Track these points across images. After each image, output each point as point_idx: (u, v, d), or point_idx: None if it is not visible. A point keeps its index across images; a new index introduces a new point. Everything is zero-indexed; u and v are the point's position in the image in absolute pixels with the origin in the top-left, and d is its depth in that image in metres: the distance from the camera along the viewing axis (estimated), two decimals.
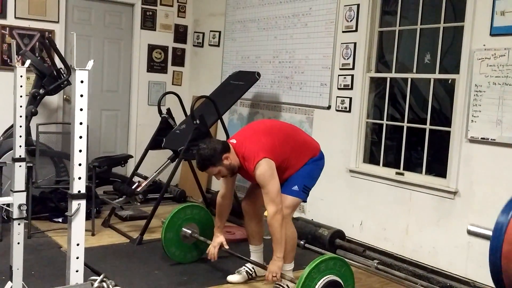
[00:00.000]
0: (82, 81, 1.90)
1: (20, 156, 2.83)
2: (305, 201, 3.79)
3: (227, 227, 5.12)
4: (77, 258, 1.96)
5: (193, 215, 4.19)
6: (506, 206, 1.41)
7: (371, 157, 4.83)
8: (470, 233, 1.53)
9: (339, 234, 4.70)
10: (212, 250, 3.81)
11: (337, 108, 4.95)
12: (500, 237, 1.37)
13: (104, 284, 3.34)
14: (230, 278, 3.86)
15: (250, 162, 3.44)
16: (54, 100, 5.89)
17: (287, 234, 3.62)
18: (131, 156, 6.03)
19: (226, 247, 3.82)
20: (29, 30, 5.72)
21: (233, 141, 3.58)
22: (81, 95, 1.90)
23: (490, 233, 1.42)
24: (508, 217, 1.38)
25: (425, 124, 4.33)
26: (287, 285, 3.64)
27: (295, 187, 3.58)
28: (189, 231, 4.11)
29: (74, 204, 1.93)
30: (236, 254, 3.89)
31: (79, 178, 1.92)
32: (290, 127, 3.87)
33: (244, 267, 3.92)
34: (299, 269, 3.90)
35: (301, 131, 3.88)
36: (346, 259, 4.39)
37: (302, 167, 3.60)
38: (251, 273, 3.89)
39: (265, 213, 4.14)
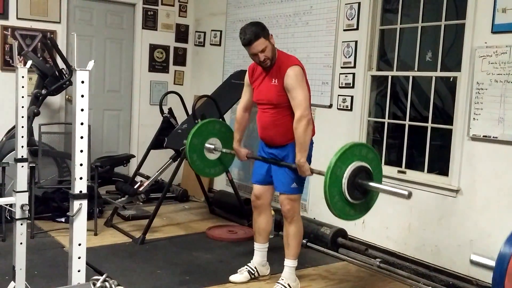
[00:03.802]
0: (82, 82, 1.90)
1: (22, 156, 2.84)
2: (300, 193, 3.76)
3: (230, 227, 5.13)
4: (79, 258, 1.96)
5: (220, 131, 4.22)
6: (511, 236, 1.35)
7: None
8: (472, 263, 1.47)
9: (342, 232, 4.69)
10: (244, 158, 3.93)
11: (338, 107, 4.94)
12: (502, 272, 1.31)
13: (107, 283, 3.34)
14: (232, 278, 3.86)
15: (285, 64, 3.47)
16: (56, 100, 5.89)
17: (295, 230, 3.66)
18: (133, 156, 6.04)
19: (250, 154, 3.92)
20: (31, 31, 5.72)
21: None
22: (82, 96, 1.91)
23: (493, 264, 1.36)
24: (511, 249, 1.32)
25: (427, 122, 4.32)
26: (288, 284, 3.64)
27: (294, 185, 3.61)
28: (212, 146, 4.15)
29: (76, 204, 1.93)
30: (258, 157, 3.85)
31: (81, 178, 1.93)
32: None
33: (246, 266, 3.91)
34: (300, 268, 3.91)
35: None
36: (348, 258, 4.43)
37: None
38: (253, 272, 3.89)
39: (272, 212, 4.15)
